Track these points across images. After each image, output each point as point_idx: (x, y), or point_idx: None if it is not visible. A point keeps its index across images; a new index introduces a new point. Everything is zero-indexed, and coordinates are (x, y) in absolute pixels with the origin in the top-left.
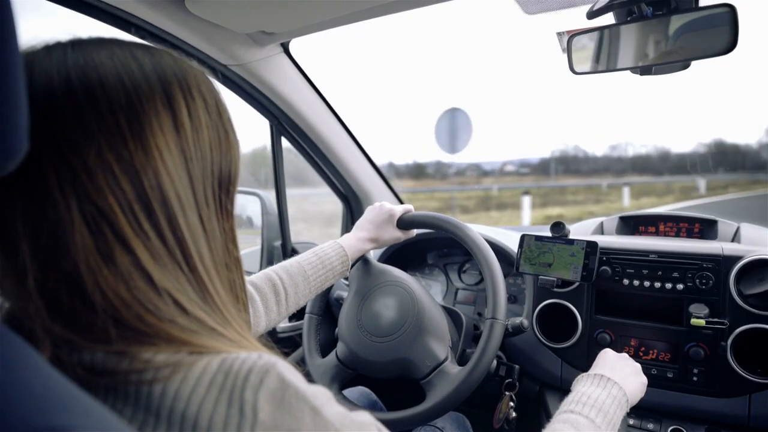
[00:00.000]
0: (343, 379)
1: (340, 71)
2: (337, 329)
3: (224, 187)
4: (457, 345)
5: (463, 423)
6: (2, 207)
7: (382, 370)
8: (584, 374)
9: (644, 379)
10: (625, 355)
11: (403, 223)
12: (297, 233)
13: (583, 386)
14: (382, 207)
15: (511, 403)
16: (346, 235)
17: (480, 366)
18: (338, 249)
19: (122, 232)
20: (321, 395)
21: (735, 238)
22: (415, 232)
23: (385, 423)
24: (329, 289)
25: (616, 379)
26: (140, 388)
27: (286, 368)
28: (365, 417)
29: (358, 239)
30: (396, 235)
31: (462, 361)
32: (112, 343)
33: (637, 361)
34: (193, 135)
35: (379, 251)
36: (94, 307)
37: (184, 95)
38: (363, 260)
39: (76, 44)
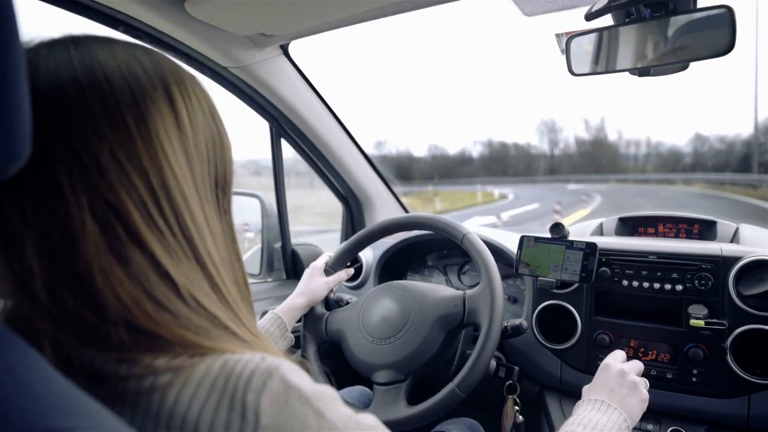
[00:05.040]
0: (407, 390)
1: (336, 72)
2: (353, 365)
3: (221, 187)
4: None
5: (477, 430)
6: (9, 207)
7: (430, 345)
8: (583, 400)
9: (644, 395)
10: (624, 368)
11: (326, 269)
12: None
13: (584, 410)
14: (310, 266)
15: (516, 407)
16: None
17: (492, 274)
18: (272, 316)
19: (136, 228)
20: (326, 397)
21: (734, 238)
22: (345, 273)
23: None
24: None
25: (614, 402)
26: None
27: (290, 370)
28: (371, 420)
29: (289, 299)
30: (324, 280)
31: (461, 362)
32: (117, 350)
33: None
34: (192, 134)
35: (379, 254)
36: (102, 310)
37: (182, 95)
38: (335, 303)
39: (77, 42)
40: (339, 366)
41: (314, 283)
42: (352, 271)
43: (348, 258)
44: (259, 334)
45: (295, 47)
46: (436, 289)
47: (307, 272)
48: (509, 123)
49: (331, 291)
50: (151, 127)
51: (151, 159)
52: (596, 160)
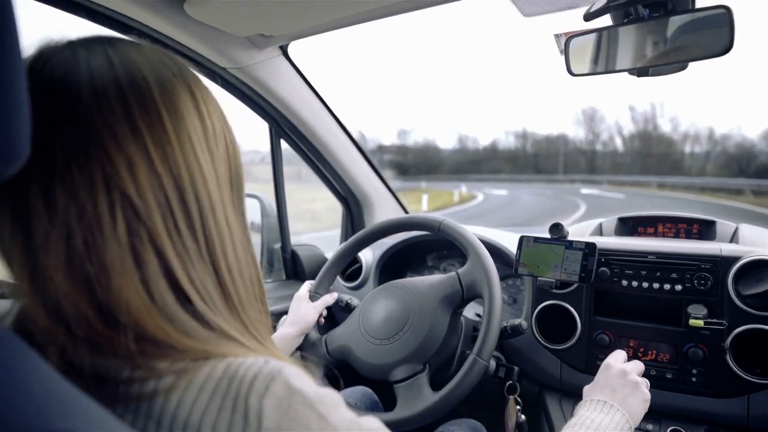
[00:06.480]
0: (428, 379)
1: (337, 72)
2: (366, 373)
3: (235, 188)
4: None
5: (479, 430)
6: (35, 204)
7: (439, 329)
8: (585, 400)
9: (646, 396)
10: (626, 368)
11: (311, 295)
12: None
13: (587, 410)
14: (294, 296)
15: (518, 407)
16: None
17: (477, 247)
18: None
19: (155, 231)
20: (329, 400)
21: (733, 238)
22: (330, 297)
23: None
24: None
25: (616, 403)
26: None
27: (293, 373)
28: (374, 423)
29: (280, 330)
30: (311, 305)
31: (461, 361)
32: (125, 358)
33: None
34: (214, 135)
35: (378, 254)
36: (113, 317)
37: (203, 97)
38: (336, 303)
39: (111, 43)
40: (346, 366)
41: (302, 311)
42: (336, 295)
43: (330, 280)
44: (267, 341)
45: (299, 47)
46: (427, 277)
47: (293, 302)
48: (546, 112)
49: (321, 315)
50: (183, 128)
51: (182, 156)
52: (644, 157)
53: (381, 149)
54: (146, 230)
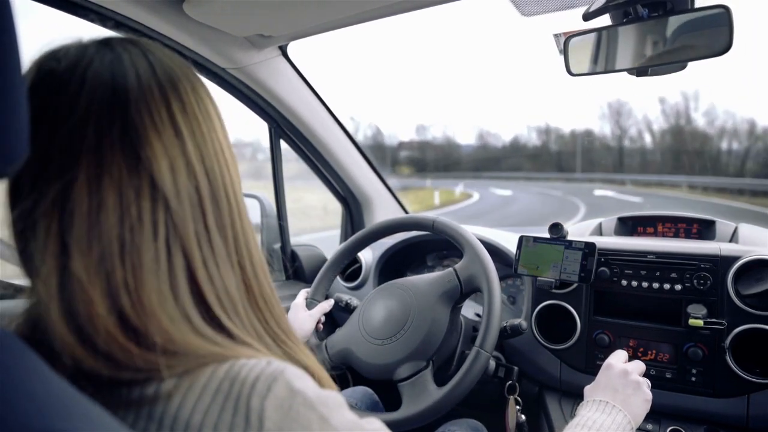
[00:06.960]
0: (432, 375)
1: (353, 68)
2: (370, 374)
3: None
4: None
5: (480, 430)
6: (79, 200)
7: (440, 324)
8: (587, 400)
9: (647, 396)
10: (627, 368)
11: (307, 303)
12: None
13: (588, 411)
14: (291, 305)
15: (518, 407)
16: None
17: (472, 242)
18: None
19: (186, 237)
20: (331, 402)
21: (733, 238)
22: (327, 304)
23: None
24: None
25: (618, 403)
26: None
27: (295, 375)
28: (375, 423)
29: None
30: (308, 314)
31: (461, 361)
32: (148, 369)
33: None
34: (228, 136)
35: (378, 254)
36: (137, 326)
37: (213, 99)
38: (336, 303)
39: (143, 44)
40: (348, 369)
41: (299, 319)
42: (332, 301)
43: (327, 285)
44: (291, 335)
45: (302, 47)
46: (424, 276)
47: (290, 311)
48: (571, 106)
49: (319, 321)
50: (213, 129)
51: (216, 159)
52: (676, 154)
53: (401, 145)
54: (179, 234)
